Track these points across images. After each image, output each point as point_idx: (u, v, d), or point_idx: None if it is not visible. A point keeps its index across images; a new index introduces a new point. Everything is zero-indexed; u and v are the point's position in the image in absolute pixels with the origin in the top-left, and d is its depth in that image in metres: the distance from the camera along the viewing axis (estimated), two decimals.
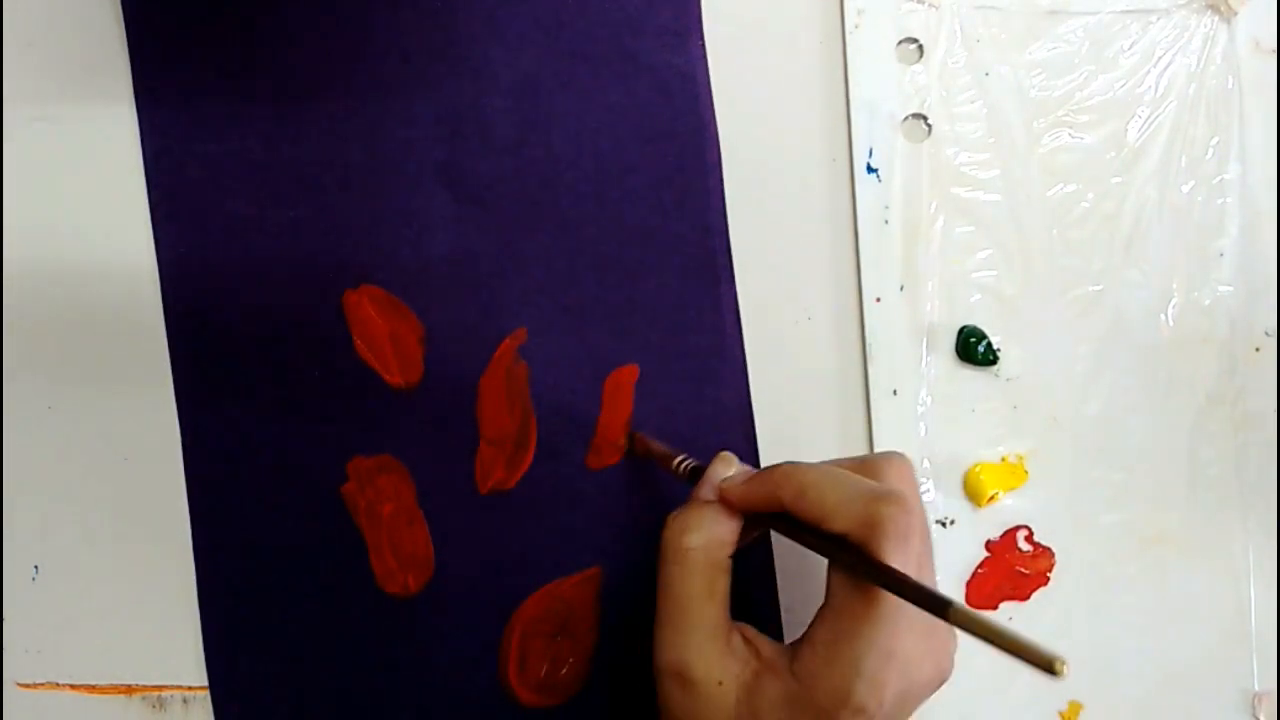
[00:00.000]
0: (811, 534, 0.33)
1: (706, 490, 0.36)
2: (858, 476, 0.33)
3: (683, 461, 0.37)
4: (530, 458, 0.39)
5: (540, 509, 0.39)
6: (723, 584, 0.34)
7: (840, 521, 0.32)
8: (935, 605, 0.29)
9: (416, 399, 0.39)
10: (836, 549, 0.32)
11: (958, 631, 0.30)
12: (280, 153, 0.39)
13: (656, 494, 0.40)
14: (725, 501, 0.35)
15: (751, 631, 0.35)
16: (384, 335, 0.39)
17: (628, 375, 0.40)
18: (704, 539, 0.35)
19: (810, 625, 0.33)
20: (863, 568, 0.32)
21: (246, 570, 0.39)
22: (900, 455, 0.35)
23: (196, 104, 0.39)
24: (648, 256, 0.40)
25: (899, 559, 0.31)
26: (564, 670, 0.39)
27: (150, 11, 0.39)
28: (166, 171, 0.39)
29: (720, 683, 0.33)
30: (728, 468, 0.36)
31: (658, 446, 0.39)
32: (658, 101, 0.40)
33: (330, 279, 0.39)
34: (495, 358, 0.39)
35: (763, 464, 0.41)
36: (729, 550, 0.35)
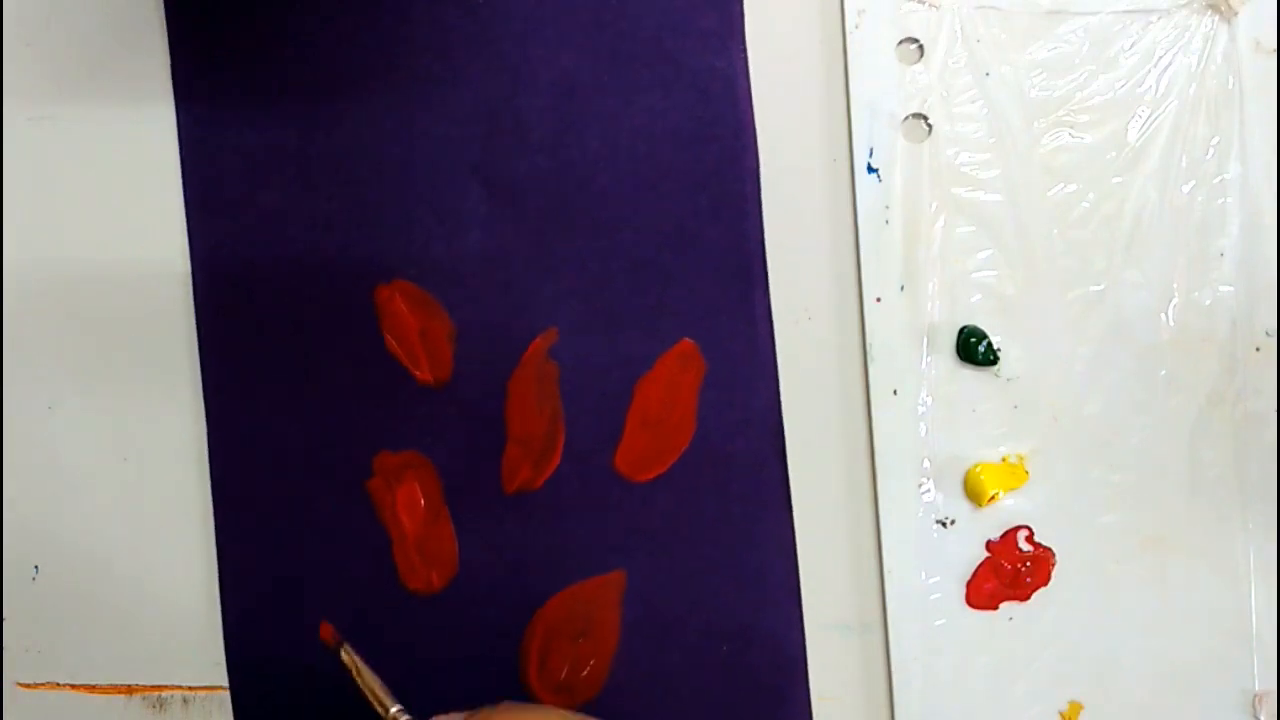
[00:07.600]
0: None
1: None
2: None
3: (398, 715, 0.33)
4: (558, 459, 0.39)
5: (565, 510, 0.39)
6: None
7: None
8: None
9: (445, 397, 0.39)
10: None
11: None
12: (315, 145, 0.39)
13: (684, 498, 0.40)
14: None
15: None
16: (414, 332, 0.39)
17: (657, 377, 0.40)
18: None
19: None
20: None
21: (269, 561, 0.39)
22: None
23: (233, 96, 0.39)
24: (681, 260, 0.40)
25: None
26: (584, 672, 0.39)
27: (190, 8, 0.39)
28: (202, 163, 0.39)
29: None
30: None
31: (368, 679, 0.34)
32: (697, 104, 0.40)
33: (362, 273, 0.39)
34: (525, 357, 0.39)
35: (791, 478, 0.40)
36: None
